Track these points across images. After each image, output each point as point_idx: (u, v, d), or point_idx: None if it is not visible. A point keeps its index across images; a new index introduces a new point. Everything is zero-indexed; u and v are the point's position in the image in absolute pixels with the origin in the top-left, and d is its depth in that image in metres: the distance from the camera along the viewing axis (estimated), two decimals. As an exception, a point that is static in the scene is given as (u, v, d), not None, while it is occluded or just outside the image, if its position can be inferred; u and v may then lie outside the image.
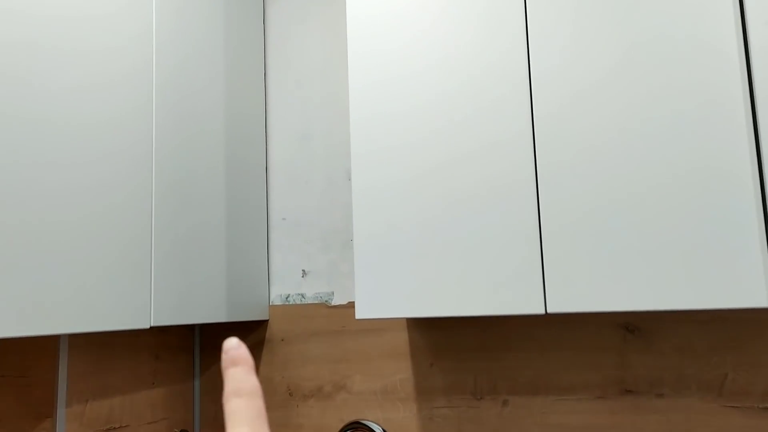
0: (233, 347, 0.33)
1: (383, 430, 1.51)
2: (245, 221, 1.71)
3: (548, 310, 1.17)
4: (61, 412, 1.32)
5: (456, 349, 1.59)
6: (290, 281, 1.79)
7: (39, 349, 1.35)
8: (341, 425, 1.66)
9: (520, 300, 1.18)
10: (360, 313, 1.30)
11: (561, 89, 1.21)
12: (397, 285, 1.28)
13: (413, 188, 1.29)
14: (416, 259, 1.27)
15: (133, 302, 1.25)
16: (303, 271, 1.78)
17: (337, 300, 1.73)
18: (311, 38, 1.85)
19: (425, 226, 1.27)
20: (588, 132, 1.18)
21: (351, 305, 1.71)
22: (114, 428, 1.45)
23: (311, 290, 1.76)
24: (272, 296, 1.80)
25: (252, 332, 1.79)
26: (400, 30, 1.34)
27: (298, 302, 1.77)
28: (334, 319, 1.72)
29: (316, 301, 1.75)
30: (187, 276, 1.42)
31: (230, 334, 1.81)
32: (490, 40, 1.28)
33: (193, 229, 1.47)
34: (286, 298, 1.78)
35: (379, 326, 1.67)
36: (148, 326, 1.28)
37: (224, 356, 0.33)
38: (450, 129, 1.28)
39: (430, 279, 1.25)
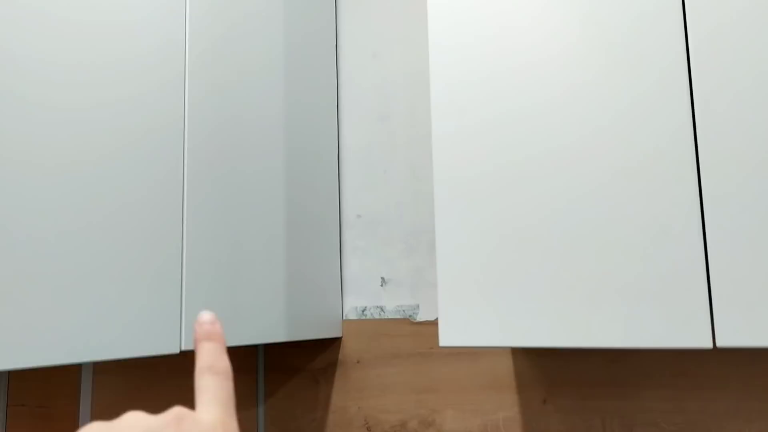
0: (208, 321, 0.33)
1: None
2: (312, 219, 1.42)
3: (717, 344, 0.79)
4: (83, 453, 1.08)
5: (577, 382, 1.22)
6: (367, 291, 1.48)
7: (61, 376, 1.12)
8: (429, 472, 1.33)
9: (676, 329, 0.80)
10: (445, 339, 0.96)
11: (726, 88, 0.82)
12: (496, 303, 0.93)
13: (516, 178, 0.94)
14: (522, 270, 0.92)
15: (159, 322, 0.98)
16: (382, 279, 1.46)
17: (424, 315, 1.40)
18: (389, 4, 1.53)
19: (534, 229, 0.92)
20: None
21: (440, 322, 1.37)
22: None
23: (392, 302, 1.44)
24: (346, 309, 1.49)
25: (322, 352, 1.50)
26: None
27: (377, 317, 1.45)
28: (420, 338, 1.39)
29: (398, 316, 1.43)
30: (232, 287, 1.14)
31: (299, 354, 1.52)
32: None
33: (241, 229, 1.19)
34: (363, 311, 1.47)
35: (475, 349, 1.32)
36: (177, 351, 1.01)
37: (198, 328, 0.33)
38: (569, 99, 0.92)
39: (543, 296, 0.90)
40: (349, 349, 1.46)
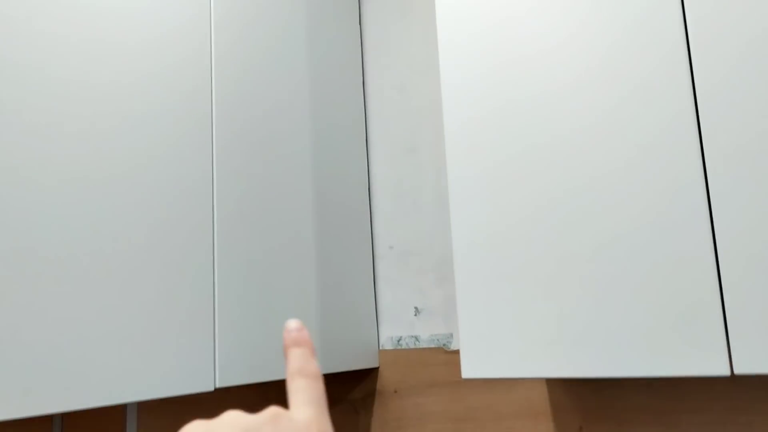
0: (295, 329, 0.34)
1: None
2: (346, 252, 1.45)
3: (735, 371, 0.77)
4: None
5: (613, 409, 1.20)
6: (402, 321, 1.50)
7: (109, 415, 1.18)
8: (469, 502, 1.33)
9: (694, 357, 0.79)
10: (467, 371, 0.97)
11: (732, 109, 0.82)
12: (517, 333, 0.94)
13: (536, 210, 0.95)
14: (542, 301, 0.93)
15: (194, 362, 1.03)
16: (416, 308, 1.48)
17: (457, 343, 1.41)
18: (413, 37, 1.57)
19: (555, 262, 0.93)
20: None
21: (473, 350, 1.38)
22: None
23: (426, 331, 1.46)
24: (382, 339, 1.52)
25: (360, 382, 1.52)
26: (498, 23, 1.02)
27: (412, 346, 1.47)
28: (455, 366, 1.40)
29: (433, 345, 1.44)
30: (265, 323, 1.19)
31: (338, 385, 1.55)
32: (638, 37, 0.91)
33: (274, 264, 1.23)
34: (398, 341, 1.49)
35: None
36: (212, 388, 1.06)
37: (286, 335, 0.34)
38: (583, 130, 0.93)
39: (563, 327, 0.90)
40: (386, 379, 1.48)
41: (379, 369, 1.50)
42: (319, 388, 0.32)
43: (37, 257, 0.83)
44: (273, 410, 0.29)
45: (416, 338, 1.47)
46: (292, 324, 0.34)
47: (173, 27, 1.09)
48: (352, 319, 1.44)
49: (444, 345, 1.42)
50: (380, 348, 1.51)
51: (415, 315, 1.48)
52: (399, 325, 1.49)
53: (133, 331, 0.94)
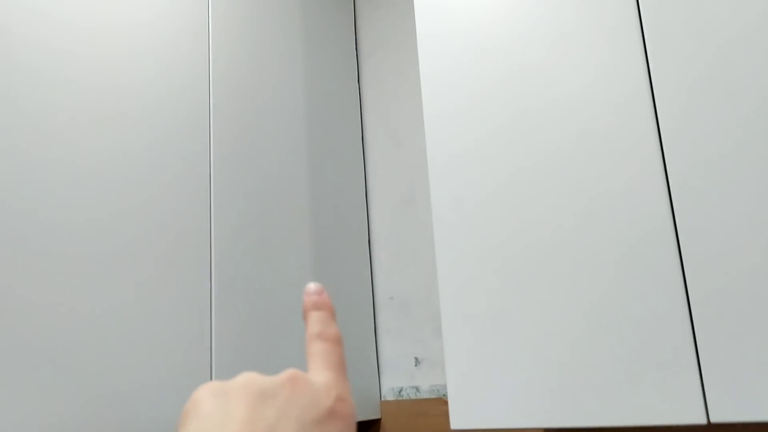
0: (315, 292, 0.33)
1: None
2: (347, 302, 1.48)
3: (711, 420, 0.78)
4: None
5: (611, 459, 1.19)
6: (402, 371, 1.51)
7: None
8: None
9: (671, 407, 0.80)
10: (456, 422, 0.99)
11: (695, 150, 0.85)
12: (503, 384, 0.95)
13: (522, 261, 0.98)
14: (525, 353, 0.94)
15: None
16: (416, 359, 1.49)
17: (457, 394, 1.41)
18: (409, 93, 1.63)
19: (537, 313, 0.95)
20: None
21: (472, 400, 1.38)
22: None
23: (427, 382, 1.47)
24: (383, 390, 1.53)
25: (363, 434, 1.52)
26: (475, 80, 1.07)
27: (413, 396, 1.48)
28: (456, 417, 1.40)
29: (433, 395, 1.45)
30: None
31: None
32: (607, 93, 0.95)
33: (273, 316, 1.26)
34: (399, 391, 1.50)
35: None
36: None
37: (306, 299, 0.33)
38: (559, 188, 0.97)
39: (545, 378, 0.91)
40: (388, 431, 1.49)
41: (381, 420, 1.50)
42: (338, 353, 0.31)
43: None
44: (291, 372, 0.28)
45: (417, 389, 1.48)
46: (312, 287, 0.33)
47: (173, 91, 1.16)
48: (354, 370, 1.45)
49: (444, 395, 1.43)
50: (382, 399, 1.52)
51: (416, 365, 1.49)
52: (400, 376, 1.51)
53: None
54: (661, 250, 0.86)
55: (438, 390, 1.44)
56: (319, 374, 0.29)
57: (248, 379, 0.27)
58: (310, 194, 1.44)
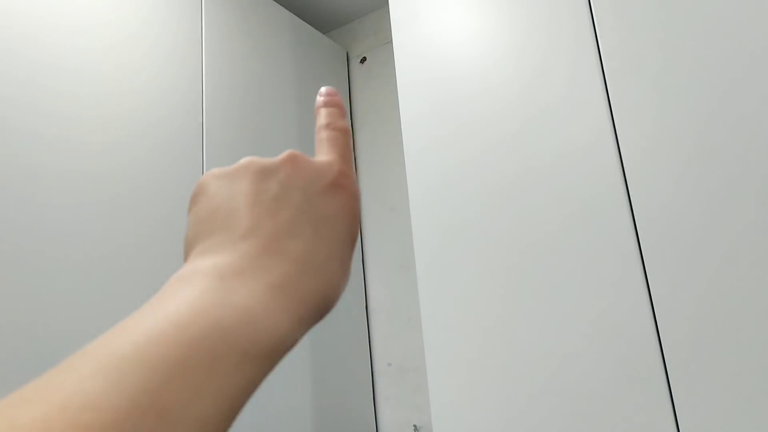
0: (327, 93, 0.33)
1: None
2: (346, 369, 1.48)
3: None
4: None
5: None
6: (402, 440, 1.49)
7: None
8: None
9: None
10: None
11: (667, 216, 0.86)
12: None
13: (502, 330, 0.99)
14: (514, 408, 0.94)
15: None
16: (415, 426, 1.48)
17: (457, 462, 1.39)
18: (403, 160, 1.66)
19: (520, 370, 0.95)
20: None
21: (471, 470, 1.36)
22: None
23: (426, 450, 1.45)
24: (383, 459, 1.51)
25: (364, 505, 1.50)
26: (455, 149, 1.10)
27: (413, 465, 1.46)
28: (456, 487, 1.38)
29: (433, 464, 1.43)
30: (257, 450, 1.21)
31: (342, 508, 1.53)
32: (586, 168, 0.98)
33: (274, 386, 1.27)
34: (399, 460, 1.48)
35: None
36: None
37: (318, 98, 0.33)
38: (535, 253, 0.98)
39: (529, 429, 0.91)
40: (389, 501, 1.46)
41: (382, 490, 1.48)
42: (345, 141, 0.30)
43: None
44: (289, 152, 0.28)
45: (417, 457, 1.46)
46: (324, 89, 0.33)
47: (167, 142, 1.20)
48: (353, 439, 1.44)
49: (444, 464, 1.41)
50: (382, 468, 1.50)
51: (415, 433, 1.47)
52: (399, 444, 1.49)
53: None
54: (641, 336, 0.86)
55: (437, 458, 1.42)
56: (323, 156, 0.29)
57: (249, 160, 0.27)
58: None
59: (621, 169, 0.92)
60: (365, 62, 1.79)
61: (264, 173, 0.26)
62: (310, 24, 1.86)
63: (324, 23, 1.88)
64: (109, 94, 1.11)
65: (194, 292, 0.20)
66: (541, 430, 0.91)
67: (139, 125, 1.15)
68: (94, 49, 1.10)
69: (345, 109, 0.33)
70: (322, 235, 0.26)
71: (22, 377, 0.87)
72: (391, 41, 1.72)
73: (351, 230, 0.27)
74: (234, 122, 1.37)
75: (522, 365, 0.95)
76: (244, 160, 0.27)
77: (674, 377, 0.82)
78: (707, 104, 0.87)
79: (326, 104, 0.32)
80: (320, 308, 0.24)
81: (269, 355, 0.20)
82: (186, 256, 0.24)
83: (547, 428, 0.90)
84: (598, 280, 0.91)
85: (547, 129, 1.00)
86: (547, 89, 1.02)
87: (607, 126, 0.95)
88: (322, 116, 0.32)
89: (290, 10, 1.78)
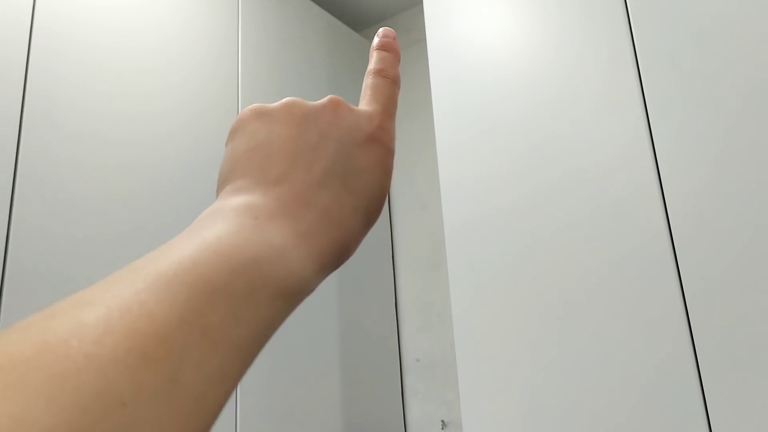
0: (388, 36, 0.32)
1: None
2: (374, 364, 1.50)
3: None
4: None
5: None
6: (430, 435, 1.50)
7: None
8: None
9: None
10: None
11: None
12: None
13: (536, 322, 0.99)
14: (543, 410, 0.94)
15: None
16: (443, 422, 1.49)
17: (484, 459, 1.40)
18: (434, 158, 1.67)
19: (548, 370, 0.95)
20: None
21: (499, 467, 1.36)
22: None
23: (454, 446, 1.46)
24: (411, 454, 1.52)
25: (391, 499, 1.51)
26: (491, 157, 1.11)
27: (440, 461, 1.47)
28: (483, 483, 1.38)
29: (460, 461, 1.43)
30: (288, 441, 1.23)
31: (369, 501, 1.55)
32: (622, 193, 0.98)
33: (298, 379, 1.29)
34: (427, 456, 1.49)
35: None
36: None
37: (376, 39, 0.31)
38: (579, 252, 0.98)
39: (557, 445, 0.91)
40: (415, 496, 1.47)
41: (409, 485, 1.49)
42: (392, 91, 0.30)
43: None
44: (332, 98, 0.27)
45: (444, 453, 1.46)
46: (386, 31, 0.32)
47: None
48: (381, 433, 1.46)
49: (471, 460, 1.41)
50: (409, 463, 1.51)
51: (442, 429, 1.48)
52: (427, 440, 1.50)
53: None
54: (669, 312, 0.85)
55: (465, 455, 1.43)
56: (366, 106, 0.29)
57: (292, 102, 0.27)
58: (335, 258, 1.47)
59: (656, 169, 0.92)
60: (398, 60, 1.80)
61: (305, 119, 0.26)
62: (344, 22, 1.88)
63: (357, 21, 1.90)
64: (151, 92, 1.14)
65: (231, 227, 0.21)
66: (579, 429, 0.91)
67: (176, 121, 1.18)
68: (138, 49, 1.13)
69: (400, 56, 0.32)
70: (351, 188, 0.26)
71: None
72: (423, 39, 1.73)
73: (382, 185, 0.27)
74: (269, 118, 1.39)
75: (553, 366, 0.95)
76: (286, 101, 0.27)
77: (708, 388, 0.81)
78: (743, 101, 0.86)
79: (381, 46, 0.31)
80: (339, 257, 0.24)
81: (296, 295, 0.21)
82: (219, 188, 0.25)
83: (578, 431, 0.90)
84: (632, 279, 0.90)
85: (581, 129, 1.00)
86: (581, 87, 1.02)
87: (642, 125, 0.95)
88: (376, 61, 0.31)
89: (324, 8, 1.80)
